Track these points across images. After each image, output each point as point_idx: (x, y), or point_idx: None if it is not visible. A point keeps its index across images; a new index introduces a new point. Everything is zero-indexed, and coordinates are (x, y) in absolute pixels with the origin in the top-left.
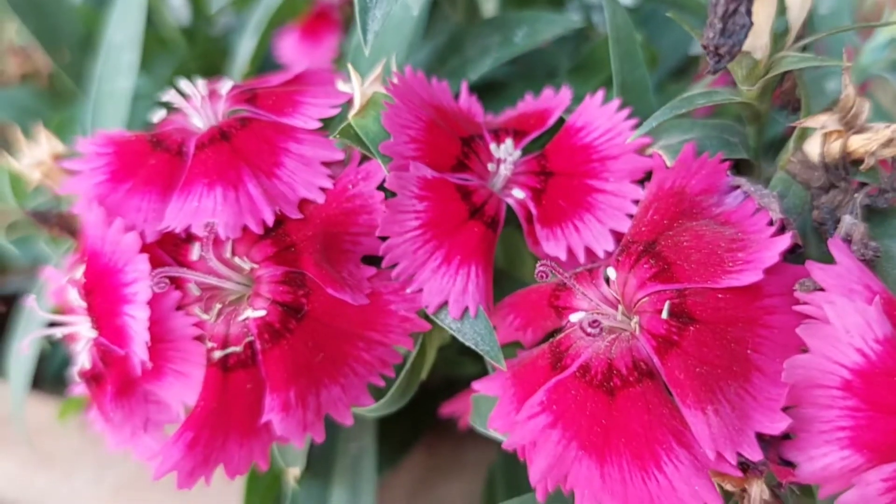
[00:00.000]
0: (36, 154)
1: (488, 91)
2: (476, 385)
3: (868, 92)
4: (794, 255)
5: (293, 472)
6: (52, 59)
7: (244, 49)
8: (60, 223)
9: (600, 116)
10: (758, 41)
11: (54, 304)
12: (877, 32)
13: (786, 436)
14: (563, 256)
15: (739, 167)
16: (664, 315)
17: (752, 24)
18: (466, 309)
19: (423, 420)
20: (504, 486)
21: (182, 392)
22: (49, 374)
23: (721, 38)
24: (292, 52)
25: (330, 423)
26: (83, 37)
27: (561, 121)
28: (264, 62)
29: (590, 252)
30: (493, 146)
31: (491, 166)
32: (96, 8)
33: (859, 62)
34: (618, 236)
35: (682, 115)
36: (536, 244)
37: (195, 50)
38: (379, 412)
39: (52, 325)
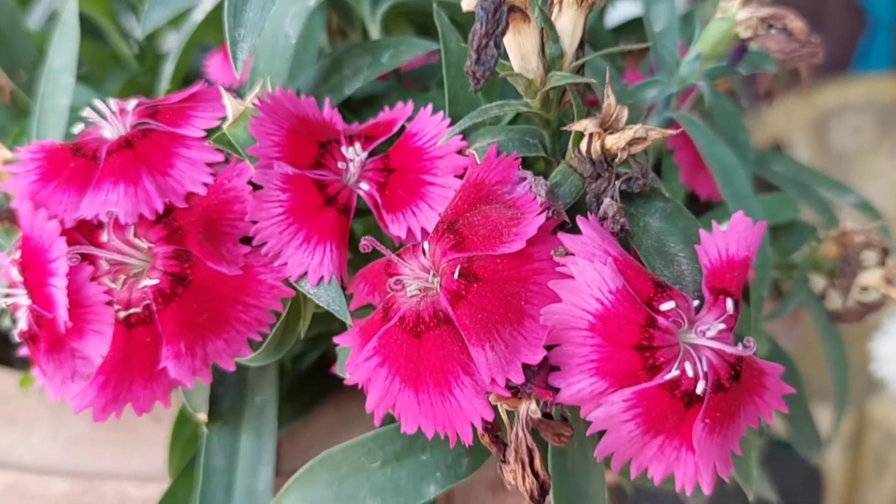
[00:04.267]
0: None
1: (369, 103)
2: (336, 339)
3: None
4: (564, 229)
5: (201, 417)
6: (10, 79)
7: (166, 70)
8: (10, 217)
9: (429, 124)
10: (528, 65)
11: (6, 283)
12: (691, 47)
13: (555, 368)
14: (403, 235)
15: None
16: (455, 275)
17: (499, 54)
18: (322, 278)
19: (335, 382)
20: None
21: (99, 347)
22: (15, 357)
23: (476, 65)
24: (217, 70)
25: (239, 381)
26: (37, 59)
27: (403, 128)
28: (194, 79)
29: (424, 232)
30: (344, 149)
31: (342, 165)
32: (48, 33)
33: (679, 73)
34: None
35: (510, 122)
36: (385, 227)
37: (144, 66)
38: (258, 361)
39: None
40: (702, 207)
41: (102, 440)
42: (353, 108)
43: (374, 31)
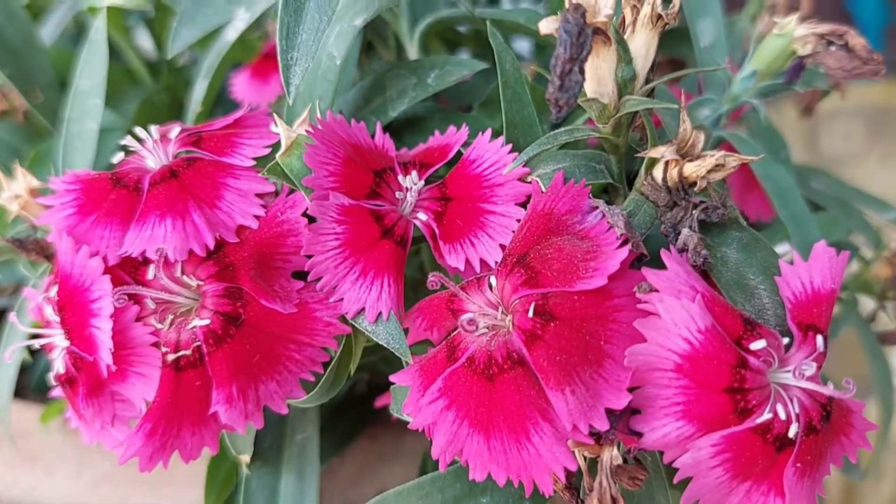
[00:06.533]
0: (14, 189)
1: (411, 125)
2: (392, 377)
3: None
4: (641, 263)
5: (244, 459)
6: (26, 99)
7: (197, 91)
8: (37, 249)
9: (489, 151)
10: (604, 89)
11: (34, 319)
12: (744, 65)
13: (635, 411)
14: (461, 267)
15: (609, 190)
16: (530, 314)
17: (583, 80)
18: (380, 314)
19: (368, 414)
20: (433, 468)
21: (143, 391)
22: (31, 387)
23: (559, 92)
24: (243, 89)
25: (279, 419)
26: (54, 78)
27: (459, 154)
28: (219, 99)
29: (484, 263)
30: (401, 177)
31: (399, 194)
32: (66, 50)
33: (731, 91)
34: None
35: (563, 146)
36: (442, 258)
37: (160, 83)
38: (311, 403)
39: (33, 337)
40: None
41: (130, 480)
42: (393, 130)
43: (412, 51)
